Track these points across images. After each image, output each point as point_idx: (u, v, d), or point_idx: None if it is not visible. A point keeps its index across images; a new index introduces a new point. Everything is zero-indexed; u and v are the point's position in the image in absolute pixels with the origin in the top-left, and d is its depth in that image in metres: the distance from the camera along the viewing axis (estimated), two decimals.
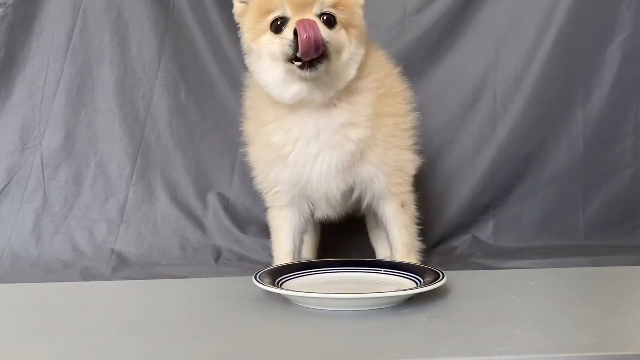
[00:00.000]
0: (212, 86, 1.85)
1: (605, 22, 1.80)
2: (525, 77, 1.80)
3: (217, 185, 1.83)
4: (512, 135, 1.80)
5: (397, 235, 1.39)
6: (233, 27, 1.84)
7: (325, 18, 1.20)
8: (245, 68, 1.82)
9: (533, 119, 1.80)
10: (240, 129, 1.44)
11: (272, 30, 1.20)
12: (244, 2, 1.28)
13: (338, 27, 1.22)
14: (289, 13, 1.19)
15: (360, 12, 1.29)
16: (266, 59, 1.23)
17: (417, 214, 1.43)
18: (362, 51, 1.26)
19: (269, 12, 1.20)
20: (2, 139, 1.78)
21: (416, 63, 1.82)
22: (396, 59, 1.80)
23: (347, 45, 1.23)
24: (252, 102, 1.40)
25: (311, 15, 1.18)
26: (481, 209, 1.80)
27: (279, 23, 1.19)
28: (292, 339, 1.01)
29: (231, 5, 1.83)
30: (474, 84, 1.84)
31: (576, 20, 1.78)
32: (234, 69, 1.83)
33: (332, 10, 1.21)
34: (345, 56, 1.23)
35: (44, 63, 1.80)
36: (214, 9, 1.82)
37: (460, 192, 1.81)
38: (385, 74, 1.34)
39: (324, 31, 1.16)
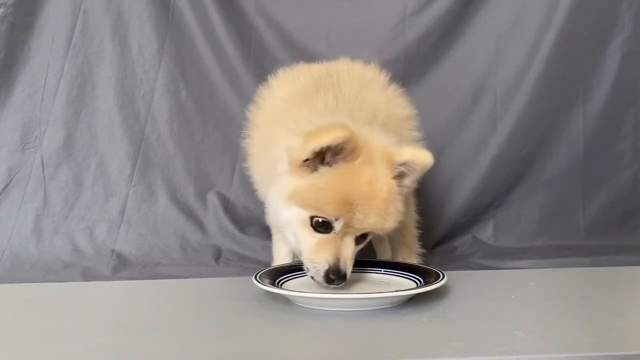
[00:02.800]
0: (212, 86, 1.85)
1: (605, 22, 1.80)
2: (525, 77, 1.80)
3: (217, 185, 1.83)
4: (512, 135, 1.80)
5: (397, 236, 1.39)
6: (233, 27, 1.86)
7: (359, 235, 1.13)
8: (246, 70, 1.85)
9: (533, 119, 1.81)
10: (242, 136, 1.41)
11: (312, 224, 1.09)
12: (308, 161, 1.08)
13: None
14: (336, 227, 1.09)
15: None
16: (290, 224, 1.13)
17: (417, 217, 1.43)
18: None
19: (320, 208, 1.08)
20: (2, 139, 1.78)
21: (416, 63, 1.82)
22: (396, 59, 1.82)
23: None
24: (262, 119, 1.31)
25: (351, 238, 1.11)
26: (481, 209, 1.80)
27: (320, 222, 1.09)
28: (292, 339, 1.01)
29: (231, 5, 1.86)
30: (474, 83, 1.84)
31: (576, 20, 1.78)
32: (234, 69, 1.84)
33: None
34: None
35: (44, 63, 1.80)
36: (214, 9, 1.83)
37: (460, 192, 1.81)
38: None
39: (351, 256, 1.11)
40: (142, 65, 1.83)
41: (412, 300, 1.14)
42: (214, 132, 1.85)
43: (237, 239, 1.74)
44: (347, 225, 1.08)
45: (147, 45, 1.83)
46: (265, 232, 1.55)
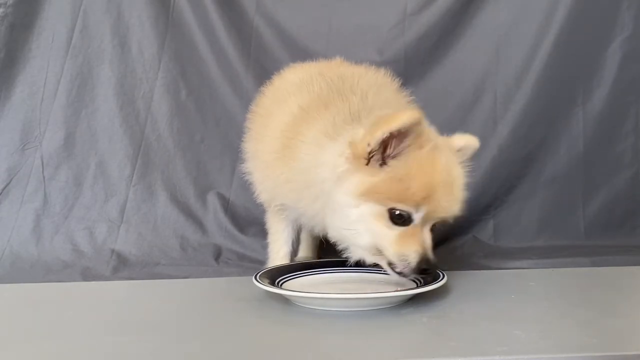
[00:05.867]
0: (212, 86, 1.85)
1: (605, 22, 1.80)
2: (525, 77, 1.80)
3: (217, 185, 1.83)
4: (512, 135, 1.80)
5: None
6: (233, 27, 1.86)
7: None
8: (246, 70, 1.85)
9: (533, 119, 1.80)
10: (242, 141, 1.41)
11: (390, 217, 1.07)
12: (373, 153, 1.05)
13: None
14: (416, 218, 1.08)
15: None
16: (364, 222, 1.09)
17: None
18: None
19: (403, 200, 1.06)
20: (2, 139, 1.78)
21: (416, 63, 1.82)
22: (396, 59, 1.82)
23: None
24: (260, 123, 1.32)
25: (428, 228, 1.10)
26: (481, 209, 1.80)
27: (398, 215, 1.07)
28: (292, 339, 1.01)
29: (231, 5, 1.86)
30: (474, 83, 1.84)
31: (576, 20, 1.78)
32: (234, 69, 1.84)
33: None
34: None
35: (44, 63, 1.80)
36: (214, 9, 1.83)
37: None
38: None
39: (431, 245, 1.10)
40: (142, 65, 1.83)
41: (412, 300, 1.14)
42: (214, 132, 1.85)
43: (237, 239, 1.74)
44: (427, 215, 1.07)
45: (147, 45, 1.83)
46: (265, 232, 1.55)
